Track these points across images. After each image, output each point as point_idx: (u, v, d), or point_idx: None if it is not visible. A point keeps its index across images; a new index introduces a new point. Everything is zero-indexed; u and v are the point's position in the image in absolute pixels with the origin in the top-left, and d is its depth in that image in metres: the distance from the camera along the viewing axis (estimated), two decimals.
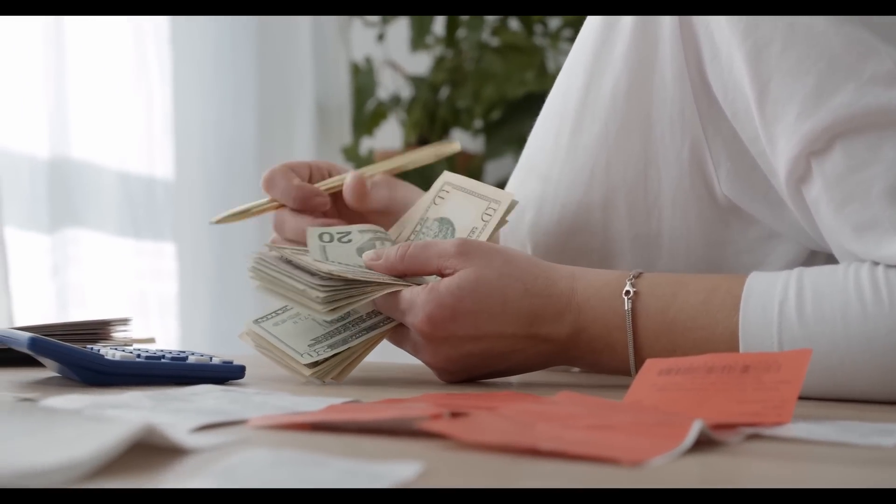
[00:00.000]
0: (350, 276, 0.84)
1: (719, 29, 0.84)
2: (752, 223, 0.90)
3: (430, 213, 0.95)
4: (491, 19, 2.48)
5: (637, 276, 0.84)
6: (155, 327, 2.01)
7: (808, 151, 0.80)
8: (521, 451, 0.52)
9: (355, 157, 2.41)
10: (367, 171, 1.04)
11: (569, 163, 0.94)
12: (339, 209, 1.03)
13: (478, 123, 2.53)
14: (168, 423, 0.56)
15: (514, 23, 2.52)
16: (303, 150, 2.32)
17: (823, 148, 0.79)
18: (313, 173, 1.02)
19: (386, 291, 0.85)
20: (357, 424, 0.60)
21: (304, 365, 0.84)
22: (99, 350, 0.83)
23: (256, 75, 2.27)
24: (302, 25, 2.34)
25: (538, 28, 2.50)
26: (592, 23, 0.95)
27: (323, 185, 1.01)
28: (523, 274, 0.84)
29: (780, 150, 0.82)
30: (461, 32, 2.48)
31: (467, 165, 2.49)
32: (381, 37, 2.54)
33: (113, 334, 1.02)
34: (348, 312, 0.88)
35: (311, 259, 0.88)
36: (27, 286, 1.83)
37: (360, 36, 2.57)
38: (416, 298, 0.83)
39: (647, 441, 0.54)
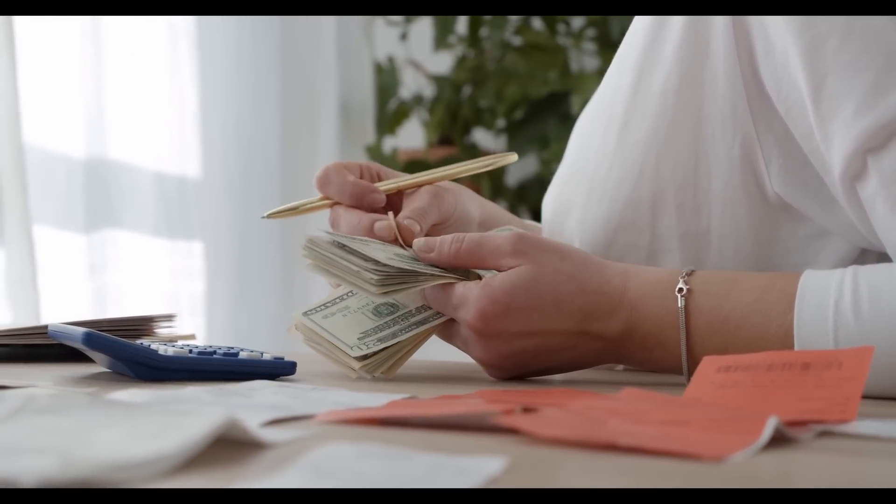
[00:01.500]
0: (404, 266, 0.84)
1: (774, 25, 0.83)
2: (803, 221, 0.89)
3: None
4: (514, 19, 2.48)
5: (689, 274, 0.84)
6: (185, 326, 2.01)
7: (865, 148, 0.80)
8: (598, 446, 0.52)
9: (379, 156, 2.40)
10: (420, 178, 1.00)
11: (617, 160, 0.94)
12: (394, 210, 1.01)
13: (500, 123, 2.53)
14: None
15: (536, 22, 2.52)
16: (326, 150, 2.32)
17: (881, 145, 0.79)
18: (363, 174, 1.00)
19: (439, 282, 0.85)
20: (428, 419, 0.60)
21: (354, 358, 0.84)
22: (150, 345, 0.83)
23: (280, 75, 2.27)
24: (325, 25, 2.34)
25: (561, 28, 2.50)
26: (641, 21, 0.95)
27: (380, 187, 0.99)
28: (577, 271, 0.84)
29: (835, 147, 0.81)
30: (484, 32, 2.48)
31: None
32: (403, 36, 2.54)
33: (157, 330, 1.02)
34: (398, 307, 0.88)
35: (365, 246, 0.88)
36: (63, 286, 1.83)
37: (382, 35, 2.57)
38: (469, 294, 0.83)
39: (724, 437, 0.54)
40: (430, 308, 0.87)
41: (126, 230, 1.96)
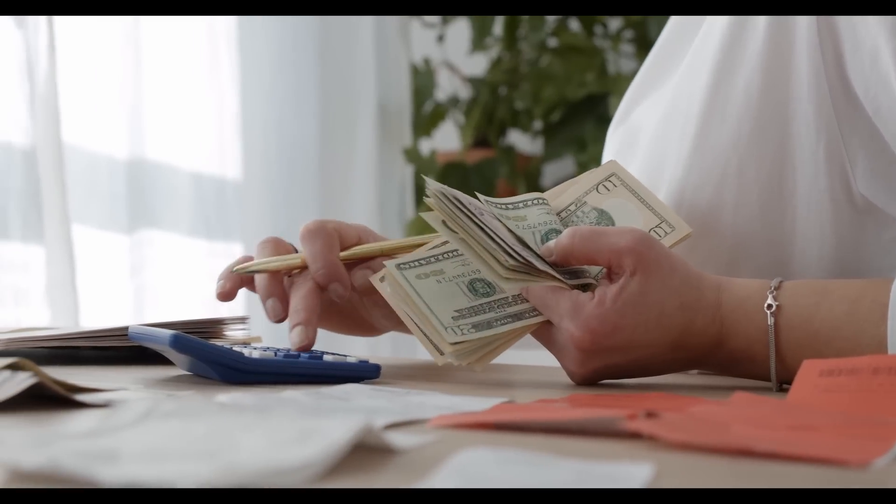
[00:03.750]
0: (536, 263, 0.81)
1: (864, 22, 0.82)
2: (888, 225, 0.88)
3: (589, 198, 0.91)
4: (551, 21, 2.47)
5: (778, 288, 0.82)
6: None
7: None
8: (732, 451, 0.51)
9: (417, 159, 2.39)
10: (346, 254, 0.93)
11: (695, 164, 0.92)
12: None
13: (537, 125, 2.51)
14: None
15: (574, 24, 2.51)
16: (364, 152, 2.31)
17: None
18: (362, 239, 0.94)
19: (554, 284, 0.82)
20: (548, 424, 0.59)
21: (448, 342, 0.80)
22: (234, 348, 0.82)
23: (319, 76, 2.26)
24: (363, 27, 2.33)
25: (598, 29, 2.48)
26: (718, 23, 0.93)
27: (352, 251, 0.93)
28: (682, 286, 0.81)
29: None
30: (521, 33, 2.47)
31: (526, 167, 2.48)
32: (440, 38, 2.53)
33: (226, 333, 1.01)
34: (494, 289, 0.84)
35: (500, 224, 0.84)
36: (102, 286, 1.82)
37: (418, 37, 2.56)
38: (583, 309, 0.80)
39: (861, 442, 0.53)
40: (526, 301, 0.83)
41: (165, 231, 1.96)
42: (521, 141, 2.59)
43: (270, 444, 0.46)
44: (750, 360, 0.82)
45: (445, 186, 0.84)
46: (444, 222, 0.83)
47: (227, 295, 0.94)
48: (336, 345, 1.58)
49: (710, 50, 0.93)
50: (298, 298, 0.90)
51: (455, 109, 2.54)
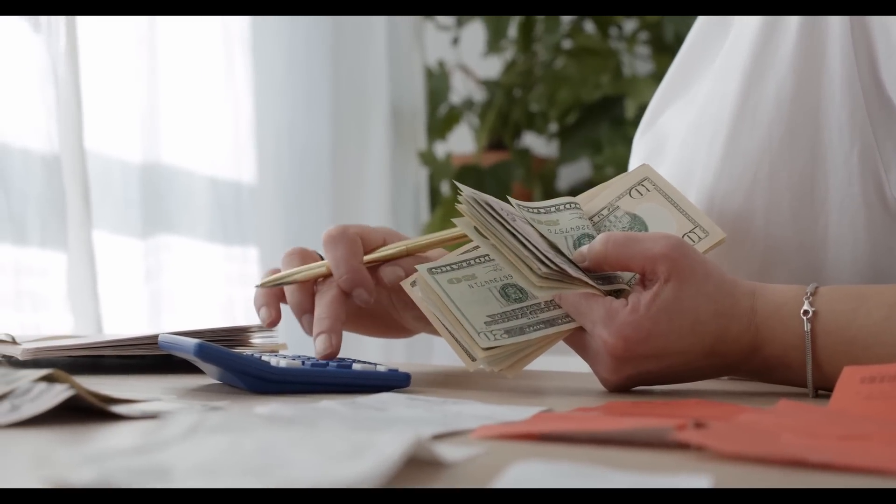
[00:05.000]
0: (569, 270, 0.80)
1: None
2: None
3: (622, 202, 0.91)
4: (565, 23, 2.46)
5: (814, 293, 0.80)
6: None
7: None
8: (784, 462, 0.50)
9: (432, 162, 2.38)
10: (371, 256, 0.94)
11: (725, 170, 0.91)
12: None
13: (552, 127, 2.50)
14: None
15: (589, 25, 2.50)
16: (377, 155, 2.30)
17: None
18: (387, 242, 0.95)
19: (587, 290, 0.81)
20: (597, 434, 0.58)
21: (481, 347, 0.79)
22: (261, 357, 0.82)
23: (332, 79, 2.25)
24: (377, 29, 2.32)
25: (613, 31, 2.47)
26: (748, 27, 0.92)
27: (377, 254, 0.94)
28: (716, 292, 0.80)
29: None
30: (536, 35, 2.46)
31: (541, 169, 2.47)
32: (455, 41, 2.52)
33: (251, 340, 1.00)
34: (526, 295, 0.83)
35: (532, 229, 0.83)
36: (120, 291, 1.82)
37: (432, 40, 2.55)
38: (617, 316, 0.79)
39: None
40: (559, 308, 0.83)
41: (181, 235, 1.95)
42: (537, 143, 2.58)
43: (323, 460, 0.45)
44: (786, 367, 0.82)
45: (478, 192, 0.83)
46: (475, 228, 0.82)
47: (274, 322, 0.97)
48: (346, 346, 1.57)
49: (740, 54, 0.93)
50: (323, 306, 0.91)
51: (470, 112, 2.53)
